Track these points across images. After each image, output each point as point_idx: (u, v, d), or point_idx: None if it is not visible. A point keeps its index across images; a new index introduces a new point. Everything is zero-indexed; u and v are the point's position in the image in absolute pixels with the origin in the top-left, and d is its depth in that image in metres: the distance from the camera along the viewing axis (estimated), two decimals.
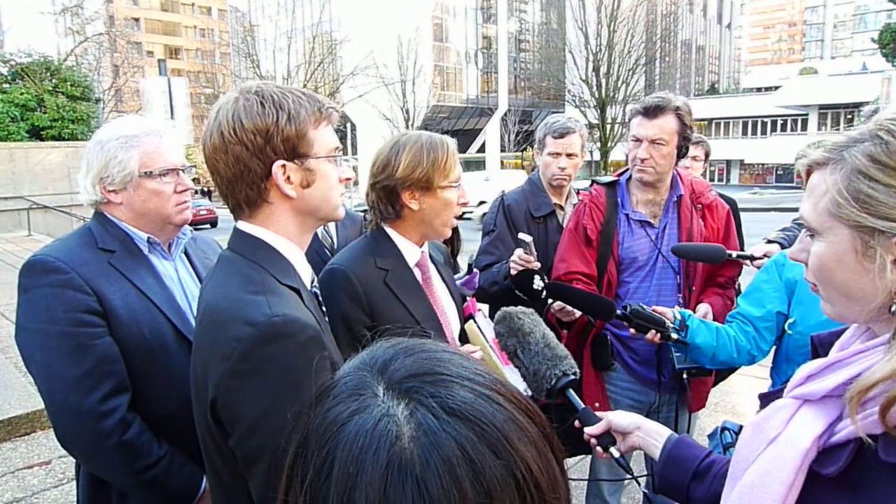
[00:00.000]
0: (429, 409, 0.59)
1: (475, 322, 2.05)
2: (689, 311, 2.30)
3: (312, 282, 1.50)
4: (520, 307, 1.54)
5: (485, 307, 2.70)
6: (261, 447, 1.17)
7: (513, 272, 2.68)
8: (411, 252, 2.00)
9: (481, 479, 0.55)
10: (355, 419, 0.59)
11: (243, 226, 1.39)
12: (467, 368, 0.66)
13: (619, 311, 2.20)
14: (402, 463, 0.55)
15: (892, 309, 0.92)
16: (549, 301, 2.48)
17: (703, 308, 2.66)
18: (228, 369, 1.17)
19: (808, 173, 1.03)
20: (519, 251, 2.63)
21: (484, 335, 2.02)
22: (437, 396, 0.60)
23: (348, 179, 1.48)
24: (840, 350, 1.03)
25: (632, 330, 2.23)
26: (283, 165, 1.32)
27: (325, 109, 1.38)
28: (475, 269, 2.61)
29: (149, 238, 1.93)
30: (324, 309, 1.51)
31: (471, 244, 3.40)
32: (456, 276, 2.48)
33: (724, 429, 1.87)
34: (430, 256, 2.14)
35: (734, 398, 5.09)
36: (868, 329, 1.01)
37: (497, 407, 0.61)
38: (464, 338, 2.12)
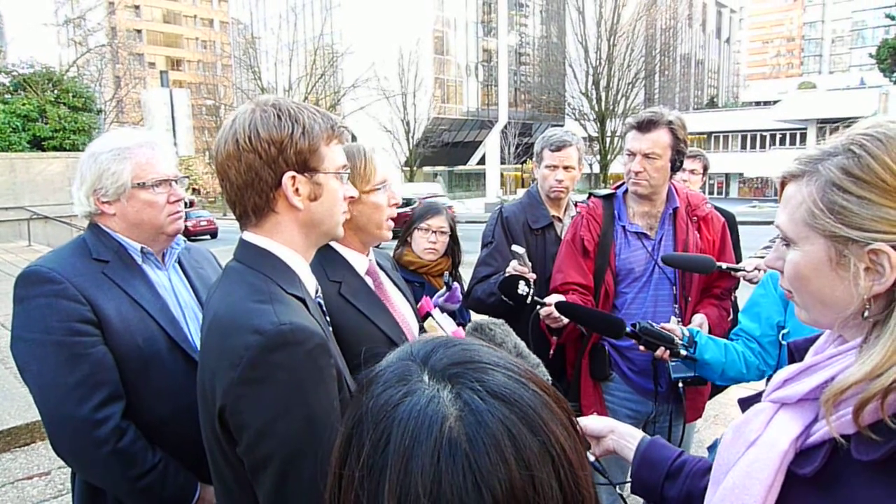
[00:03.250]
0: (474, 392, 0.65)
1: (433, 318, 2.07)
2: (696, 328, 2.32)
3: (317, 292, 1.52)
4: (490, 318, 1.55)
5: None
6: (269, 454, 1.19)
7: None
8: (359, 261, 2.01)
9: (522, 455, 0.62)
10: (407, 400, 0.66)
11: (249, 237, 1.41)
12: (502, 358, 0.72)
13: (628, 329, 2.22)
14: (453, 439, 0.61)
15: (865, 314, 0.95)
16: (537, 307, 2.50)
17: (699, 318, 2.68)
18: (237, 377, 1.18)
19: (783, 185, 1.07)
20: (514, 263, 2.64)
21: (443, 330, 2.05)
22: (481, 381, 0.67)
23: (352, 198, 1.52)
24: (815, 355, 1.06)
25: (641, 347, 2.25)
26: (294, 177, 1.35)
27: (337, 128, 1.43)
28: (455, 285, 2.62)
29: (142, 248, 1.94)
30: (328, 318, 1.53)
31: (472, 256, 3.42)
32: (438, 294, 2.50)
33: None
34: (378, 263, 2.16)
35: (733, 410, 5.06)
36: (840, 335, 1.04)
37: (532, 392, 0.68)
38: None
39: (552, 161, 3.26)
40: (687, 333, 2.27)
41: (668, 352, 2.23)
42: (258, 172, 1.33)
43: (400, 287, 2.17)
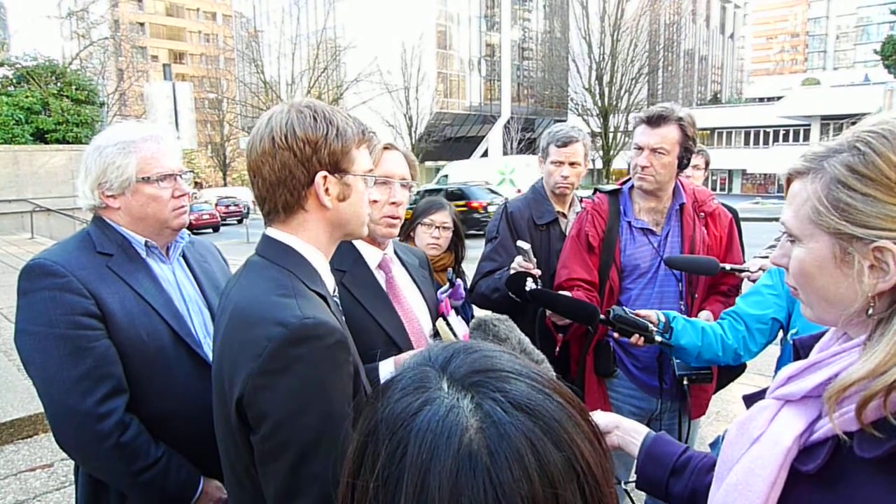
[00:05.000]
0: (496, 402, 0.62)
1: (446, 321, 2.07)
2: (674, 313, 2.30)
3: (334, 291, 1.54)
4: (494, 314, 1.55)
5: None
6: (283, 446, 1.21)
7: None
8: (371, 254, 2.02)
9: (546, 471, 0.59)
10: (426, 409, 0.63)
11: (273, 233, 1.44)
12: (526, 367, 0.69)
13: (601, 317, 2.22)
14: (473, 451, 0.58)
15: (869, 312, 0.96)
16: (542, 307, 2.49)
17: (705, 315, 2.67)
18: (257, 368, 1.20)
19: (789, 182, 1.07)
20: (518, 258, 2.63)
21: (455, 334, 2.04)
22: (503, 391, 0.63)
23: (375, 202, 1.54)
24: (819, 352, 1.06)
25: (615, 334, 2.25)
26: (325, 176, 1.39)
27: (367, 132, 1.49)
28: (458, 281, 2.63)
29: (146, 242, 1.94)
30: (342, 318, 1.54)
31: (476, 251, 3.41)
32: (440, 291, 2.49)
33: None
34: (402, 259, 2.16)
35: (735, 407, 5.07)
36: (845, 333, 1.05)
37: (557, 404, 0.65)
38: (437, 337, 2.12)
39: (558, 157, 3.24)
40: (663, 318, 2.26)
41: (642, 338, 2.22)
42: (292, 170, 1.37)
43: (419, 285, 2.17)
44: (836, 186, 0.96)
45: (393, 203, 2.02)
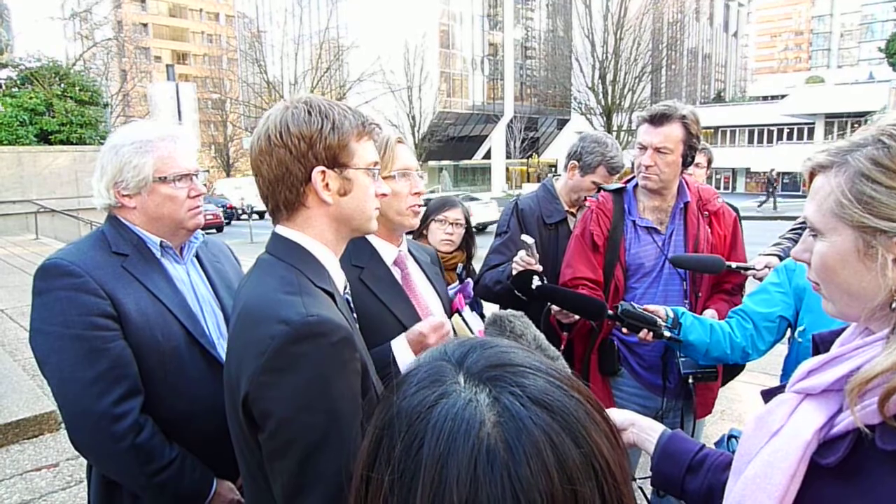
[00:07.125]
0: (514, 397, 0.61)
1: (461, 316, 2.07)
2: (682, 309, 2.31)
3: (345, 288, 1.53)
4: (510, 310, 1.56)
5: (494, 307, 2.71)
6: (288, 444, 1.20)
7: (514, 273, 2.70)
8: (387, 250, 2.02)
9: (565, 467, 0.58)
10: (442, 402, 0.62)
11: (282, 230, 1.44)
12: (543, 362, 0.69)
13: (609, 312, 2.22)
14: (490, 446, 0.58)
15: (893, 306, 0.96)
16: (549, 302, 2.49)
17: (710, 313, 2.66)
18: (261, 365, 1.20)
19: (812, 176, 1.07)
20: (521, 253, 2.64)
21: (470, 329, 2.05)
22: (521, 385, 0.63)
23: (384, 195, 1.54)
24: (841, 346, 1.06)
25: (624, 329, 2.25)
26: (323, 172, 1.38)
27: (368, 125, 1.46)
28: (468, 281, 2.64)
29: (161, 242, 1.94)
30: (355, 315, 1.54)
31: (481, 251, 3.42)
32: (449, 287, 2.50)
33: (730, 436, 1.87)
34: (415, 257, 2.16)
35: (740, 406, 5.08)
36: (867, 328, 1.04)
37: (575, 400, 0.64)
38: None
39: (602, 181, 3.22)
40: (671, 314, 2.26)
41: (650, 333, 2.23)
42: (289, 167, 1.37)
43: (433, 281, 2.17)
44: (860, 180, 0.96)
45: (416, 193, 2.03)
